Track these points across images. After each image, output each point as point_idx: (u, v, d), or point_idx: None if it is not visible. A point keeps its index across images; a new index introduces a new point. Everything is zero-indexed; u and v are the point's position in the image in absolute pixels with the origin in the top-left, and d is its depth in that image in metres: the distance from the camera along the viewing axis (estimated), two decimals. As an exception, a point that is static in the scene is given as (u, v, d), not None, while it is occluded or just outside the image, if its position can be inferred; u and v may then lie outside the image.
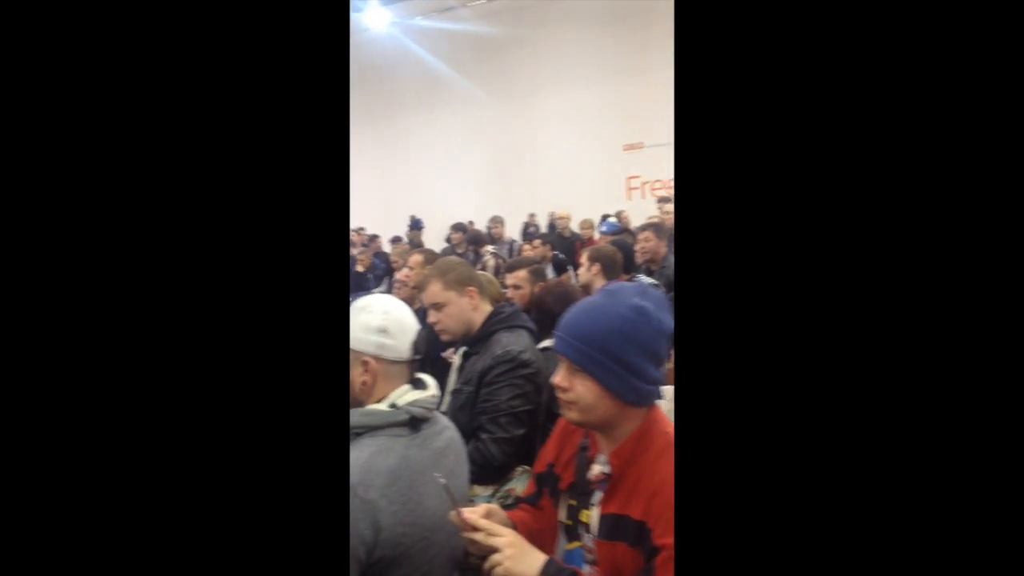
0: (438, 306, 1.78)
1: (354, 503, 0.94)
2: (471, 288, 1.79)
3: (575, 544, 1.04)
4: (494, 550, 0.89)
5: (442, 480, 0.96)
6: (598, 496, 1.00)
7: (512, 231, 8.04)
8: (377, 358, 1.07)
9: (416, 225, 9.29)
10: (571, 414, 0.98)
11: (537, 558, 0.90)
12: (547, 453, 1.13)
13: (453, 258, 2.08)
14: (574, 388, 0.96)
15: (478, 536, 0.92)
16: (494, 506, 0.99)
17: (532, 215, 8.71)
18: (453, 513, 0.92)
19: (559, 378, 0.98)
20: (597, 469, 1.00)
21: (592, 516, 1.00)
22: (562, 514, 1.07)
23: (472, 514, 0.94)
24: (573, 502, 1.05)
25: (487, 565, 0.89)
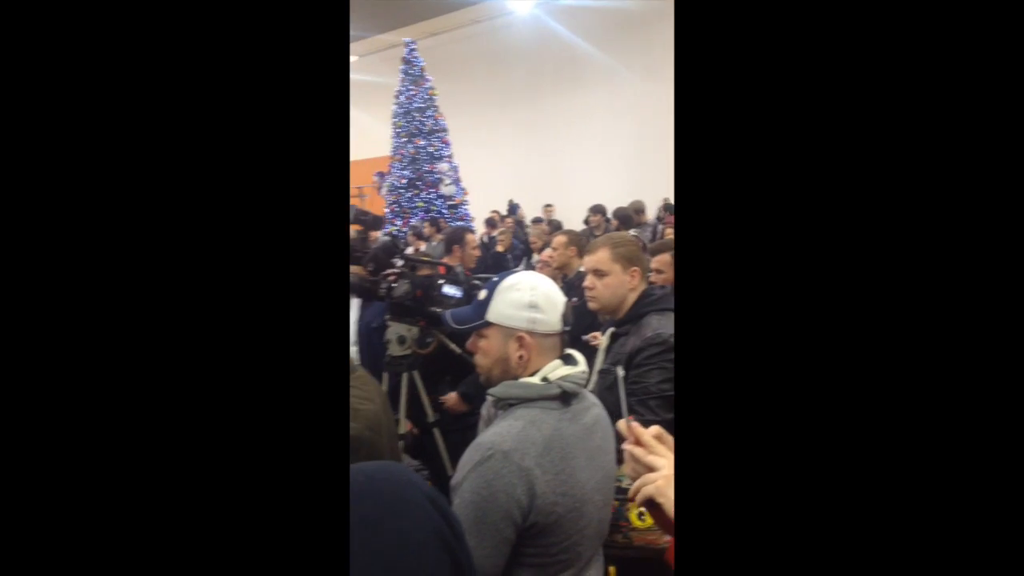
0: (599, 273, 1.79)
1: (511, 469, 0.99)
2: (635, 268, 1.79)
3: None
4: (651, 469, 0.82)
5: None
6: None
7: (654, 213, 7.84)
8: (530, 333, 1.11)
9: (513, 210, 9.31)
10: None
11: None
12: None
13: (627, 234, 2.08)
14: None
15: (638, 451, 0.85)
16: (666, 433, 0.89)
17: None
18: (623, 421, 0.88)
19: None
20: None
21: None
22: None
23: (643, 429, 0.87)
24: None
25: (637, 483, 0.82)
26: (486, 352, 1.15)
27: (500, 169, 11.67)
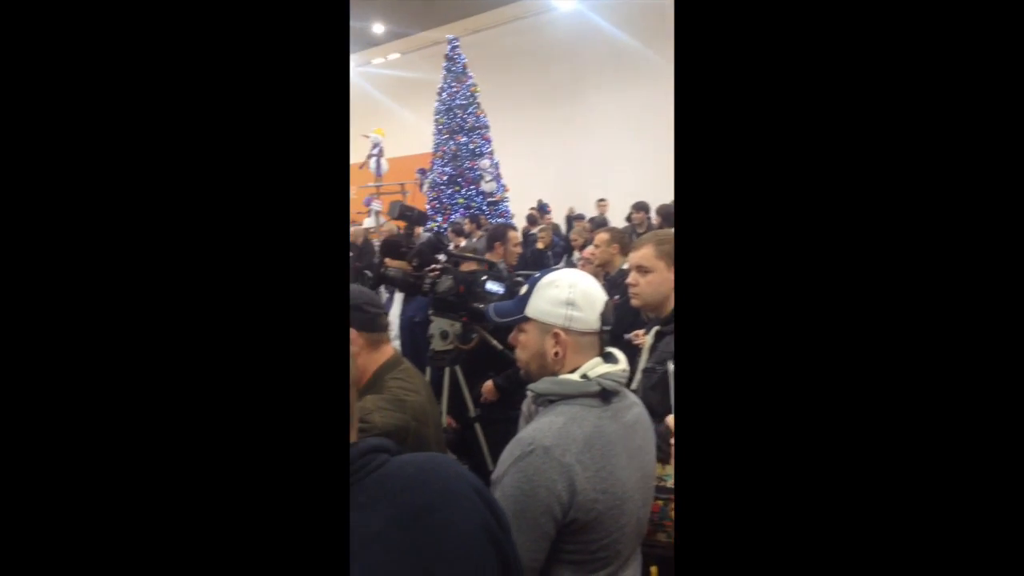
0: (643, 270, 1.78)
1: (551, 464, 1.00)
2: None
3: None
4: None
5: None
6: None
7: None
8: (567, 330, 1.12)
9: (543, 209, 9.24)
10: None
11: None
12: None
13: (672, 231, 2.07)
14: None
15: None
16: None
17: None
18: (671, 417, 0.90)
19: None
20: None
21: None
22: None
23: None
24: None
25: None
26: (524, 346, 1.17)
27: (541, 166, 11.65)
